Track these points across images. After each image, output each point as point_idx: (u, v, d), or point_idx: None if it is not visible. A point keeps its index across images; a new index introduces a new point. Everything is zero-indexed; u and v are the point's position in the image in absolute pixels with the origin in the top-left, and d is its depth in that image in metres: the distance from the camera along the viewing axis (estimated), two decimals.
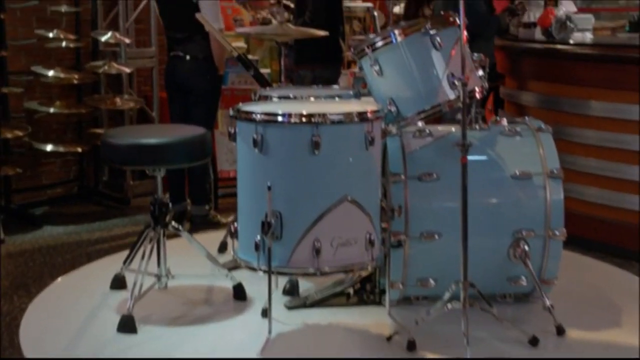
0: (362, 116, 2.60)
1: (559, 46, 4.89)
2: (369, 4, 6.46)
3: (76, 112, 5.66)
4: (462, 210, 2.69)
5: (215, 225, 5.26)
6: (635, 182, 4.28)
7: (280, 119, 2.57)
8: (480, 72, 2.96)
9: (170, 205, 3.36)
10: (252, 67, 3.65)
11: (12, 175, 5.38)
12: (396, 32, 2.80)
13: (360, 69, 2.96)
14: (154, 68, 6.27)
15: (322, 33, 3.83)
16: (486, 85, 2.98)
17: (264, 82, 3.71)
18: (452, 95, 2.81)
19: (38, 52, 5.74)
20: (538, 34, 5.24)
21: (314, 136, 2.53)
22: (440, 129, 3.16)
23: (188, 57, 5.07)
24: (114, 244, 4.93)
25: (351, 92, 3.23)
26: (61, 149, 5.59)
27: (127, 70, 5.71)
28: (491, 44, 4.99)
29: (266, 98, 3.17)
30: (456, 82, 2.71)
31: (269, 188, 2.55)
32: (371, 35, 3.19)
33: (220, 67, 5.17)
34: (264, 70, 6.00)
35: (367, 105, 2.77)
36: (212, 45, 5.02)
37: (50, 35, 5.48)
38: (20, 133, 5.24)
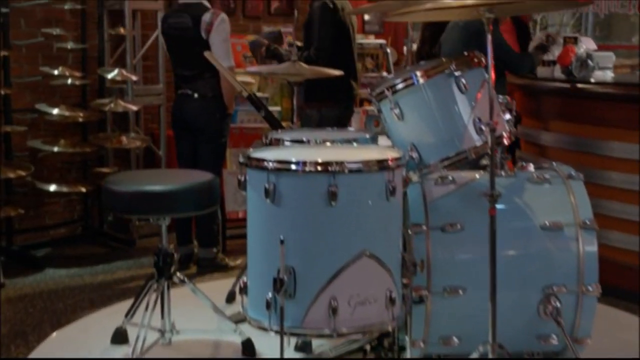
0: (382, 164, 2.41)
1: (580, 85, 4.71)
2: (382, 41, 6.31)
3: (81, 151, 5.49)
4: (491, 266, 2.48)
5: (223, 268, 5.08)
6: None
7: (294, 167, 2.37)
8: (508, 116, 2.77)
9: (176, 255, 3.16)
10: (262, 107, 3.47)
11: (14, 216, 5.21)
12: (418, 73, 2.62)
13: (379, 111, 2.78)
14: (161, 105, 6.13)
15: (336, 72, 3.66)
16: (514, 129, 2.79)
17: (275, 123, 3.53)
18: (478, 141, 2.61)
19: (43, 90, 5.61)
20: (557, 72, 5.07)
21: (330, 186, 2.33)
22: (464, 175, 2.97)
23: (196, 96, 4.92)
24: (118, 289, 4.75)
25: (367, 136, 3.04)
26: (65, 189, 5.42)
27: (134, 108, 5.56)
28: (504, 81, 4.82)
29: (278, 141, 2.98)
30: (483, 127, 2.52)
31: (282, 242, 2.35)
32: (389, 75, 3.00)
33: (229, 105, 5.02)
34: (274, 109, 5.84)
35: (387, 152, 2.57)
36: (221, 84, 4.87)
37: (56, 72, 5.35)
38: (23, 173, 5.08)
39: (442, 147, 2.64)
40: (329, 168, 2.34)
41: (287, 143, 2.99)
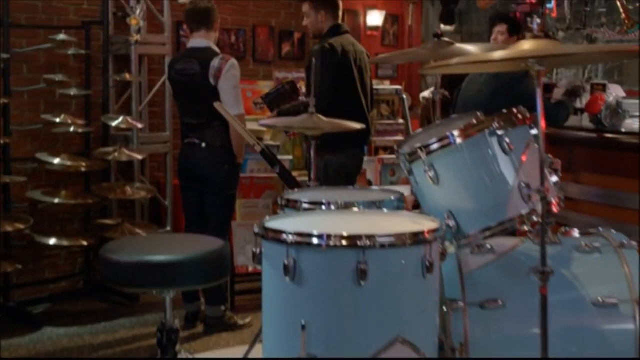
0: (418, 237, 2.09)
1: (611, 135, 4.43)
2: (398, 87, 6.04)
3: (83, 203, 5.20)
4: (542, 351, 2.17)
5: (232, 327, 4.77)
6: None
7: (316, 241, 2.06)
8: (554, 178, 2.47)
9: (180, 331, 2.85)
10: (277, 163, 3.17)
11: (11, 271, 4.92)
12: (455, 132, 2.32)
13: (409, 173, 2.48)
14: (167, 154, 5.86)
15: (357, 126, 3.37)
16: (562, 195, 2.49)
17: (291, 182, 3.24)
18: (524, 210, 2.31)
19: (45, 138, 5.35)
20: (585, 120, 4.79)
21: (359, 263, 2.02)
22: (503, 242, 2.66)
23: (204, 145, 4.65)
24: (120, 350, 4.44)
25: (393, 197, 2.73)
26: (65, 242, 5.12)
27: (139, 157, 5.29)
28: None
29: (295, 203, 2.69)
30: (532, 195, 2.22)
31: (303, 327, 2.04)
32: (418, 131, 2.71)
33: (239, 155, 4.74)
34: (285, 158, 5.58)
35: (422, 222, 2.26)
36: (231, 133, 4.60)
37: (58, 120, 5.09)
38: (21, 226, 4.79)
39: (483, 215, 2.33)
40: (358, 242, 2.04)
41: (305, 205, 2.69)
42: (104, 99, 5.49)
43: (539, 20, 2.14)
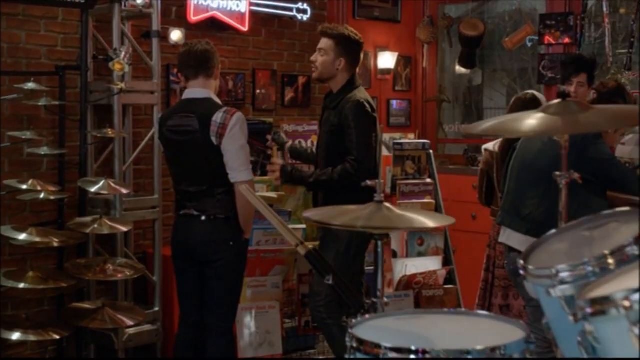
0: None
1: None
2: (426, 141, 5.20)
3: (55, 287, 4.28)
4: None
5: None
6: None
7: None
8: None
9: None
10: (330, 271, 2.19)
11: None
12: None
13: (585, 333, 1.55)
14: (156, 221, 4.97)
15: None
16: None
17: (353, 299, 2.20)
18: None
19: (9, 206, 4.46)
20: None
21: None
22: None
23: (204, 218, 3.79)
24: None
25: (519, 337, 1.83)
26: (32, 337, 4.19)
27: (124, 229, 4.39)
28: (605, 204, 3.68)
29: (374, 348, 1.84)
30: None
31: None
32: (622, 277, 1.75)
33: (247, 229, 3.88)
34: (298, 227, 4.70)
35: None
36: (238, 202, 3.75)
37: (24, 186, 4.20)
38: None
39: None
40: None
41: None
42: (81, 158, 4.60)
43: None
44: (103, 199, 4.72)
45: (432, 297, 4.98)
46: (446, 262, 5.10)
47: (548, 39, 6.27)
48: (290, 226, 4.69)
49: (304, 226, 4.76)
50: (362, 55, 4.11)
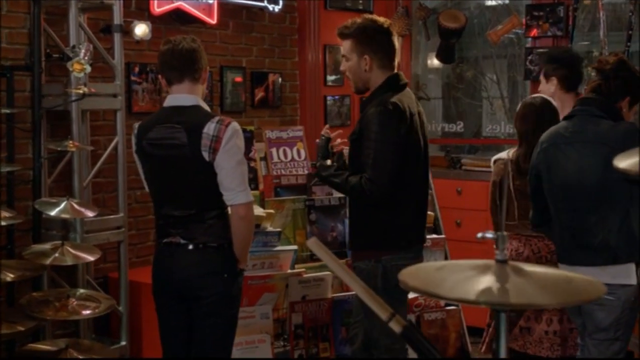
0: None
1: None
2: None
3: (7, 332, 3.59)
4: None
5: None
6: None
7: None
8: None
9: None
10: (433, 351, 1.60)
11: None
12: None
13: None
14: (122, 242, 4.33)
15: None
16: None
17: None
18: None
19: None
20: None
21: None
22: None
23: (191, 247, 3.19)
24: None
25: None
26: None
27: (90, 258, 3.75)
28: None
29: None
30: None
31: None
32: None
33: (242, 259, 3.30)
34: (289, 248, 4.14)
35: None
36: (233, 228, 3.17)
37: None
38: None
39: None
40: None
41: None
42: (34, 174, 3.92)
43: None
44: (60, 221, 4.05)
45: (434, 321, 4.49)
46: None
47: (535, 31, 5.83)
48: (280, 247, 4.18)
49: (295, 247, 4.19)
50: (394, 43, 3.33)
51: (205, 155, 3.11)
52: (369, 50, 3.30)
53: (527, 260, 3.89)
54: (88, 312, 3.76)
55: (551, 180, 3.29)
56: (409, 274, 1.58)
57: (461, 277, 1.56)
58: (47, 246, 3.73)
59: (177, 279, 3.22)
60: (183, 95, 3.23)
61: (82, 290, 3.95)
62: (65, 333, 4.28)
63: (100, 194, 4.58)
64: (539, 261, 3.86)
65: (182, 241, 3.21)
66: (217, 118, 3.16)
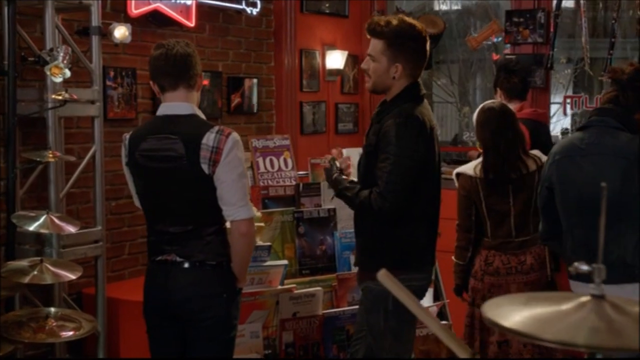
0: None
1: None
2: None
3: None
4: None
5: None
6: None
7: None
8: None
9: None
10: None
11: None
12: None
13: None
14: (99, 257, 4.09)
15: None
16: None
17: None
18: None
19: None
20: None
21: None
22: None
23: (187, 265, 2.98)
24: None
25: None
26: None
27: (72, 276, 3.49)
28: None
29: None
30: None
31: None
32: None
33: (241, 277, 3.11)
34: (278, 263, 3.95)
35: None
36: (233, 244, 2.98)
37: None
38: None
39: None
40: None
41: None
42: (8, 185, 3.66)
43: None
44: (33, 234, 3.79)
45: (427, 337, 4.34)
46: (436, 297, 4.47)
47: (515, 37, 5.75)
48: (269, 262, 3.98)
49: (285, 262, 3.99)
50: (427, 51, 3.09)
51: (205, 167, 2.91)
52: (402, 59, 3.04)
53: (497, 271, 3.81)
54: (69, 333, 3.49)
55: (564, 193, 3.17)
56: (496, 312, 1.41)
57: (557, 315, 1.40)
58: (24, 263, 3.46)
59: (173, 300, 3.01)
60: (178, 104, 3.03)
61: (58, 310, 3.69)
62: (38, 353, 4.03)
63: (74, 206, 4.33)
64: (509, 272, 3.79)
65: (178, 259, 3.00)
66: (216, 128, 2.96)
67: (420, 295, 3.17)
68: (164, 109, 3.05)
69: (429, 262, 3.24)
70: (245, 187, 3.01)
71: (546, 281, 3.81)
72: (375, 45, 3.08)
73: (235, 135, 2.98)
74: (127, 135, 3.10)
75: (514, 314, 1.44)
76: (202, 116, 3.09)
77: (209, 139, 2.91)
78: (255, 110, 5.57)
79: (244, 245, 3.03)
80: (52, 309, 3.68)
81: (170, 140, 2.96)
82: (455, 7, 6.78)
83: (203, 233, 2.99)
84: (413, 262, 3.13)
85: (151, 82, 3.13)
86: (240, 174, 2.97)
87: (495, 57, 5.70)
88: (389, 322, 3.04)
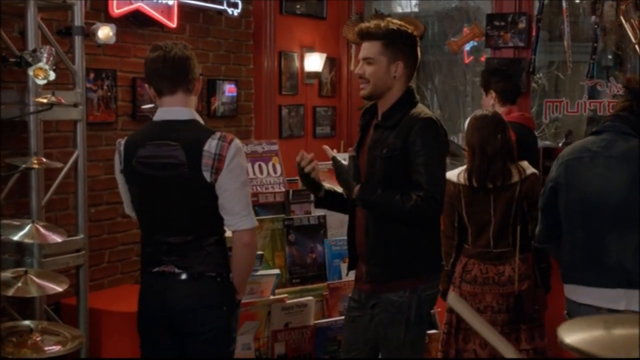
0: None
1: None
2: None
3: None
4: None
5: None
6: None
7: None
8: None
9: None
10: None
11: None
12: None
13: None
14: (81, 267, 3.93)
15: None
16: None
17: None
18: None
19: None
20: None
21: None
22: None
23: (185, 276, 2.86)
24: None
25: None
26: None
27: (58, 288, 3.32)
28: None
29: None
30: None
31: None
32: None
33: (240, 289, 3.00)
34: (270, 272, 3.83)
35: None
36: (235, 255, 2.89)
37: None
38: None
39: None
40: None
41: None
42: None
43: None
44: (14, 243, 3.61)
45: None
46: None
47: (496, 41, 5.72)
48: (261, 272, 3.86)
49: (277, 271, 3.88)
50: (418, 51, 3.05)
51: (207, 175, 2.78)
52: (402, 56, 2.98)
53: (474, 279, 3.78)
54: (54, 348, 3.32)
55: (570, 194, 3.12)
56: (578, 338, 1.31)
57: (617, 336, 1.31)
58: (8, 274, 3.28)
59: (171, 313, 2.88)
60: (177, 108, 2.90)
61: (40, 323, 3.52)
62: None
63: (53, 213, 4.15)
64: (486, 281, 3.77)
65: (176, 270, 2.87)
66: (218, 134, 2.84)
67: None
68: (162, 114, 2.92)
69: (442, 266, 3.25)
70: (248, 195, 2.90)
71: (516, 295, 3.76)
72: (371, 47, 2.99)
73: (237, 142, 2.86)
74: (122, 141, 2.96)
75: (604, 339, 1.35)
76: (202, 121, 2.96)
77: (211, 145, 2.79)
78: (235, 114, 5.44)
79: (246, 256, 2.92)
80: (33, 322, 3.51)
81: (170, 147, 2.83)
82: (415, 10, 6.75)
83: (203, 243, 2.87)
84: (436, 267, 3.10)
85: (147, 86, 2.99)
86: (244, 182, 2.86)
87: (483, 58, 5.67)
88: (409, 334, 2.96)
